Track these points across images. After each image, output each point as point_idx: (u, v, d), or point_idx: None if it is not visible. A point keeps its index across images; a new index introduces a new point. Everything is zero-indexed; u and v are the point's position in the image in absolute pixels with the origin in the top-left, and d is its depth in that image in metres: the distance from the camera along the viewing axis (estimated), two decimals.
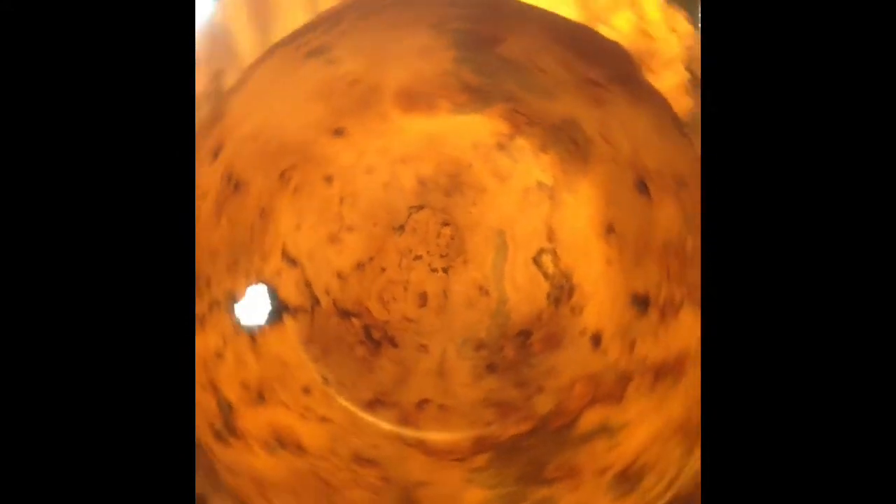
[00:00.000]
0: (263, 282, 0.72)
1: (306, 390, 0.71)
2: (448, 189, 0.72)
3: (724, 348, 0.36)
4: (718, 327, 0.37)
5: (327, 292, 0.72)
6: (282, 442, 0.67)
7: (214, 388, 0.65)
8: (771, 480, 0.35)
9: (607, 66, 0.61)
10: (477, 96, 0.69)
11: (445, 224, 0.72)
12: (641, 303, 0.69)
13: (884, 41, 0.35)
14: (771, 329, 0.36)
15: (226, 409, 0.65)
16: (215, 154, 0.65)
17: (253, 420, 0.67)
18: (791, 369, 0.36)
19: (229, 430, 0.64)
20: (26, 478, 0.33)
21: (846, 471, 0.35)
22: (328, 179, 0.72)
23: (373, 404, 0.72)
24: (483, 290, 0.72)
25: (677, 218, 0.66)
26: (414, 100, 0.71)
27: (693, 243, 0.64)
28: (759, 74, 0.38)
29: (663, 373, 0.66)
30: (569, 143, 0.70)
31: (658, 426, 0.64)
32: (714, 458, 0.37)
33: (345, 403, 0.72)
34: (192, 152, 0.43)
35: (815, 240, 0.36)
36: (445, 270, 0.72)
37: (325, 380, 0.72)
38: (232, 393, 0.67)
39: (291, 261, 0.72)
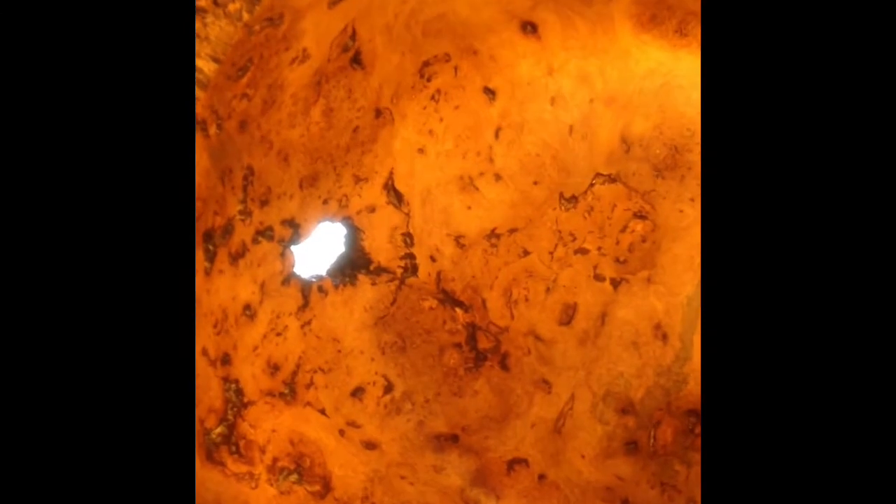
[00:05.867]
0: (346, 217, 0.49)
1: (358, 393, 0.49)
2: (662, 166, 0.50)
3: None
4: None
5: (433, 259, 0.51)
6: (301, 470, 0.45)
7: (225, 363, 0.42)
8: None
9: None
10: None
11: (641, 216, 0.50)
12: None
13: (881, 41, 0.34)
14: None
15: (234, 397, 0.42)
16: None
17: (268, 423, 0.44)
18: None
19: (229, 439, 0.41)
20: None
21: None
22: (490, 94, 0.50)
23: (445, 441, 0.50)
24: (660, 332, 0.50)
25: None
26: (661, 14, 0.48)
27: None
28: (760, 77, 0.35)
29: None
30: None
31: None
32: None
33: (406, 427, 0.49)
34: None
35: None
36: (616, 284, 0.51)
37: (389, 385, 0.50)
38: (249, 373, 0.43)
39: (396, 196, 0.50)
